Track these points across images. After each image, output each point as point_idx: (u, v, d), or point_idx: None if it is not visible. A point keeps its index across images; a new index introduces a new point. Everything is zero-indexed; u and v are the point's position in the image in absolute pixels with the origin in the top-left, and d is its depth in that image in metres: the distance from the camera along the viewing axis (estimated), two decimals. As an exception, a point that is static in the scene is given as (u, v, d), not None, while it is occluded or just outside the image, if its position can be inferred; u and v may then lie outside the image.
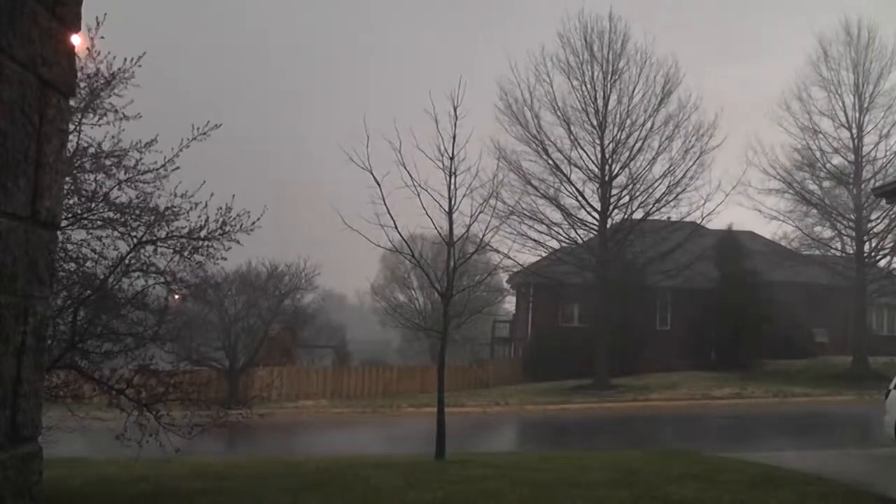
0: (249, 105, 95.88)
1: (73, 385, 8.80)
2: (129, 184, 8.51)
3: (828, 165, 31.41)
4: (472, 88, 12.54)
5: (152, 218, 8.61)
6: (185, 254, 8.94)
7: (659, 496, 7.50)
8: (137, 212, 8.56)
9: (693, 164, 28.90)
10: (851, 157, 30.76)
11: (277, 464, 10.94)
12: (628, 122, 29.23)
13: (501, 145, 28.18)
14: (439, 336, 12.63)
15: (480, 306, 24.20)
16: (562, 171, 29.61)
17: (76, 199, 8.17)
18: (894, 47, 30.10)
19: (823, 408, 23.25)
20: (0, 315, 1.87)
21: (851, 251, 31.69)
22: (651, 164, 29.28)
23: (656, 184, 29.23)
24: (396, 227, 11.87)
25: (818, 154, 31.24)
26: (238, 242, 9.23)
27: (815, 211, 31.99)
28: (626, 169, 29.45)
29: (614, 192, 29.48)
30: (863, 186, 30.05)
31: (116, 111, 8.29)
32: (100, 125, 8.26)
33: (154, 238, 8.75)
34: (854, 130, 30.49)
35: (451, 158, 11.73)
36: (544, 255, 31.09)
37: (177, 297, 10.30)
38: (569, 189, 29.70)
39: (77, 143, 8.08)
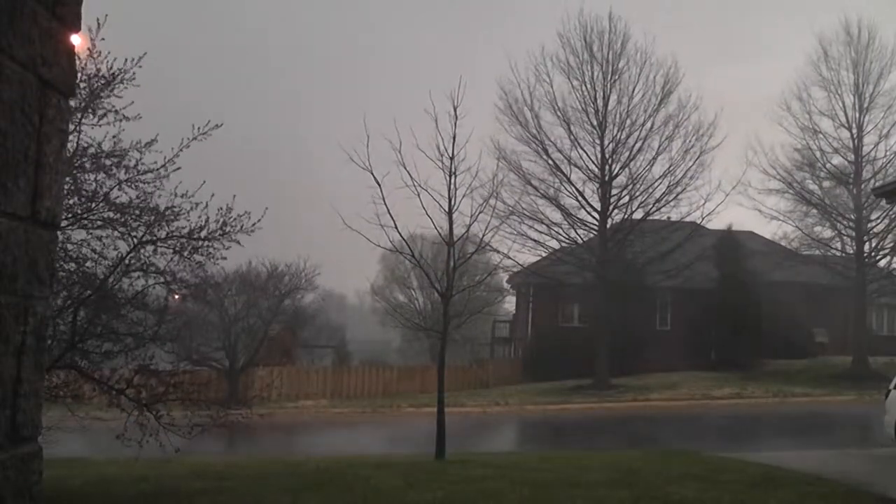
0: (249, 105, 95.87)
1: (73, 385, 8.81)
2: (129, 184, 8.51)
3: (828, 165, 31.43)
4: (472, 88, 12.57)
5: (152, 218, 8.62)
6: (185, 254, 8.95)
7: (659, 496, 7.50)
8: (137, 212, 8.56)
9: (693, 164, 28.95)
10: (851, 157, 30.77)
11: (277, 464, 10.94)
12: (628, 122, 29.27)
13: (501, 145, 28.23)
14: (439, 336, 12.63)
15: (480, 306, 24.22)
16: (562, 171, 29.64)
17: (76, 199, 8.17)
18: (894, 47, 30.17)
19: (823, 408, 23.24)
20: (0, 315, 1.87)
21: (851, 251, 31.68)
22: (651, 164, 29.33)
23: (656, 184, 29.28)
24: (396, 227, 11.89)
25: (818, 154, 31.28)
26: (238, 243, 9.24)
27: (815, 211, 31.99)
28: (626, 169, 29.48)
29: (614, 192, 29.49)
30: (863, 186, 30.06)
31: (117, 111, 8.30)
32: (100, 125, 8.27)
33: (154, 238, 8.75)
34: (854, 130, 30.50)
35: (451, 158, 11.74)
36: (544, 255, 31.09)
37: (177, 297, 10.31)
38: (569, 189, 29.76)
39: (77, 143, 8.09)
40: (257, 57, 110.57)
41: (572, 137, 29.42)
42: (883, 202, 27.36)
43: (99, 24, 7.69)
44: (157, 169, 8.59)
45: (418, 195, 11.71)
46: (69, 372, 8.78)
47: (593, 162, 29.48)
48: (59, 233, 2.41)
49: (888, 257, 32.38)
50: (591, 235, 30.16)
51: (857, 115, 30.43)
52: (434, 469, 9.63)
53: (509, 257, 26.73)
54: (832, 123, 30.87)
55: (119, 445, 8.87)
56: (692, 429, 19.70)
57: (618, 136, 29.27)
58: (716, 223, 31.10)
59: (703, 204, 28.45)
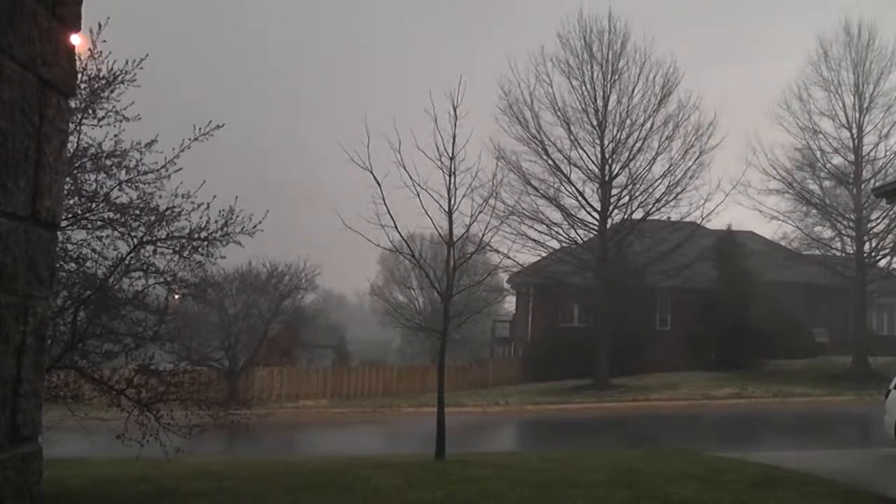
0: (249, 105, 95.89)
1: (73, 385, 8.82)
2: (129, 184, 8.53)
3: (828, 165, 31.43)
4: (472, 88, 12.54)
5: (153, 218, 8.62)
6: (185, 254, 8.95)
7: (659, 496, 7.50)
8: (137, 212, 8.57)
9: (693, 164, 28.94)
10: (851, 157, 30.77)
11: (277, 464, 10.94)
12: (628, 122, 29.26)
13: (501, 145, 28.18)
14: (439, 336, 12.63)
15: (480, 306, 24.18)
16: (562, 171, 29.63)
17: (77, 199, 8.18)
18: (894, 47, 30.17)
19: (823, 408, 23.25)
20: (0, 315, 1.88)
21: (851, 251, 31.69)
22: (651, 164, 29.32)
23: (656, 184, 29.27)
24: (396, 227, 11.89)
25: (818, 154, 31.27)
26: (239, 244, 9.25)
27: (815, 211, 32.00)
28: (626, 169, 29.47)
29: (614, 192, 29.49)
30: (863, 186, 30.06)
31: (117, 112, 8.31)
32: (100, 126, 8.28)
33: (154, 238, 8.76)
34: (854, 130, 30.50)
35: (451, 158, 11.73)
36: (544, 255, 31.10)
37: (177, 297, 10.31)
38: (569, 189, 29.74)
39: (77, 143, 8.10)
40: (257, 57, 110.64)
41: (572, 137, 29.46)
42: (883, 202, 27.36)
43: (100, 25, 7.71)
44: (158, 170, 8.61)
45: (418, 195, 11.72)
46: (69, 372, 8.79)
47: (593, 162, 29.51)
48: (59, 233, 2.41)
49: (888, 257, 32.40)
50: (591, 235, 30.16)
51: (857, 115, 30.45)
52: (434, 469, 9.63)
53: (509, 257, 26.75)
54: (832, 123, 30.93)
55: (119, 445, 8.88)
56: (692, 429, 19.70)
57: (618, 136, 29.30)
58: (716, 223, 31.13)
59: (703, 204, 28.49)
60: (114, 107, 8.29)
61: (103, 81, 8.19)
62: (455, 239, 12.07)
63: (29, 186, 2.00)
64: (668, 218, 29.77)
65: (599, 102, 29.29)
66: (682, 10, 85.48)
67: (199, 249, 9.00)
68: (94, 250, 8.47)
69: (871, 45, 30.28)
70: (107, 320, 8.98)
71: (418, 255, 15.20)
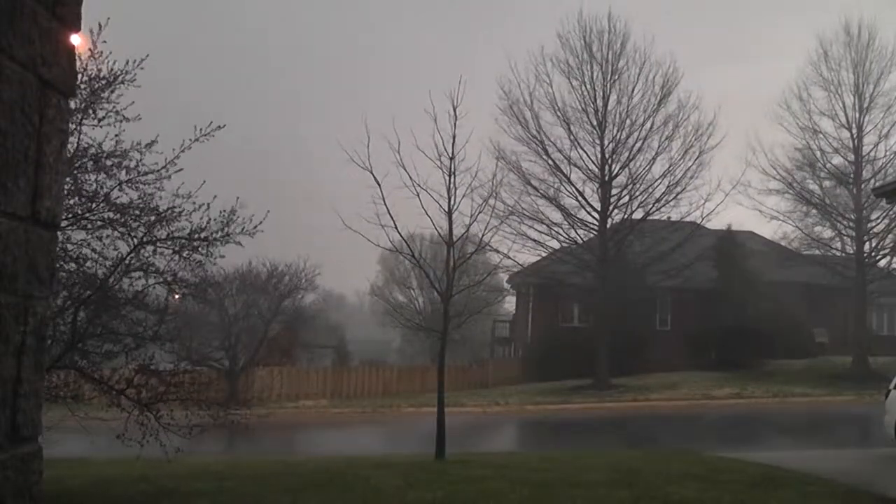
0: (249, 105, 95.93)
1: (73, 385, 8.82)
2: (129, 184, 8.53)
3: (828, 165, 31.42)
4: (471, 88, 12.54)
5: (153, 218, 8.62)
6: (185, 254, 8.95)
7: (659, 496, 7.50)
8: (138, 212, 8.57)
9: (693, 164, 28.92)
10: (851, 157, 30.77)
11: (277, 464, 10.94)
12: (628, 122, 29.25)
13: (501, 145, 28.18)
14: (439, 336, 12.63)
15: (480, 306, 24.17)
16: (562, 171, 29.62)
17: (77, 199, 8.18)
18: (894, 48, 30.16)
19: (823, 408, 23.25)
20: (0, 315, 1.88)
21: (851, 251, 31.68)
22: (651, 164, 29.30)
23: (656, 184, 29.25)
24: (396, 227, 11.89)
25: (818, 154, 31.27)
26: (239, 244, 9.25)
27: (815, 211, 31.99)
28: (626, 169, 29.46)
29: (614, 192, 29.49)
30: (863, 186, 30.06)
31: (117, 112, 8.31)
32: (100, 126, 8.27)
33: (154, 238, 8.76)
34: (854, 130, 30.50)
35: (451, 158, 11.73)
36: (544, 255, 31.09)
37: (177, 297, 10.31)
38: (569, 189, 29.73)
39: (78, 143, 8.09)
40: (257, 57, 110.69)
41: (572, 137, 29.45)
42: (883, 202, 27.36)
43: (100, 25, 7.71)
44: (159, 170, 8.61)
45: (418, 195, 11.72)
46: (69, 372, 8.79)
47: (593, 162, 29.50)
48: (59, 233, 2.41)
49: (888, 257, 32.40)
50: (591, 235, 30.15)
51: (857, 115, 30.44)
52: (434, 469, 9.63)
53: (509, 257, 26.72)
54: (832, 123, 30.93)
55: (119, 445, 8.88)
56: (692, 429, 19.70)
57: (617, 136, 29.29)
58: (715, 223, 31.12)
59: (703, 204, 28.49)
60: (114, 107, 8.29)
61: (103, 81, 8.18)
62: (455, 239, 12.07)
63: (29, 186, 2.00)
64: (668, 218, 29.77)
65: (599, 102, 29.31)
66: (682, 10, 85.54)
67: (199, 249, 9.00)
68: (94, 250, 8.48)
69: (871, 45, 30.32)
70: (107, 320, 8.99)
71: (418, 255, 15.20)
